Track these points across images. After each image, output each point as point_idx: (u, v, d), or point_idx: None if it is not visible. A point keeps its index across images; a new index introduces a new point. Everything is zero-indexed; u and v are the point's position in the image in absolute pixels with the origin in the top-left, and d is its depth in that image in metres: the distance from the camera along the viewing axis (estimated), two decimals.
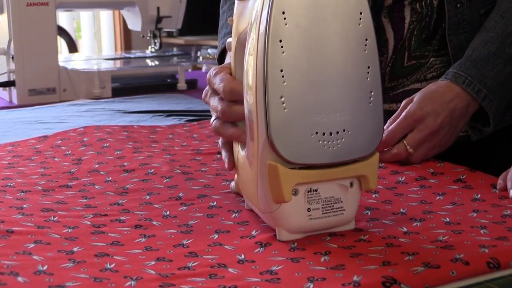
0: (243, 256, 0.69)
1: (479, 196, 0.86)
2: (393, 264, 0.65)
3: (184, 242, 0.73)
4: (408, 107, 1.01)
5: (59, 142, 1.19)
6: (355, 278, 0.62)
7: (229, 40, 0.85)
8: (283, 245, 0.72)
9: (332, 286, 0.61)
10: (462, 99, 1.01)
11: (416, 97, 1.02)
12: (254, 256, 0.70)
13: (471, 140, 1.09)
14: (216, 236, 0.75)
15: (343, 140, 0.70)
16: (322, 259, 0.68)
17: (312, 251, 0.70)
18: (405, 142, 0.99)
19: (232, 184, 0.89)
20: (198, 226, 0.78)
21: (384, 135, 1.00)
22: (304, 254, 0.70)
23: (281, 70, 0.67)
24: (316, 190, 0.72)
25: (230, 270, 0.66)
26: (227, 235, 0.76)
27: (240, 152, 0.80)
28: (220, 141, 0.88)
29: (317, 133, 0.69)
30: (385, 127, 1.03)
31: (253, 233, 0.76)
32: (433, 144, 1.00)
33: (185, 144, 1.21)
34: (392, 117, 1.02)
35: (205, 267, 0.67)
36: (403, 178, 0.94)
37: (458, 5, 1.08)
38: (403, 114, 1.00)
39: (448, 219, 0.78)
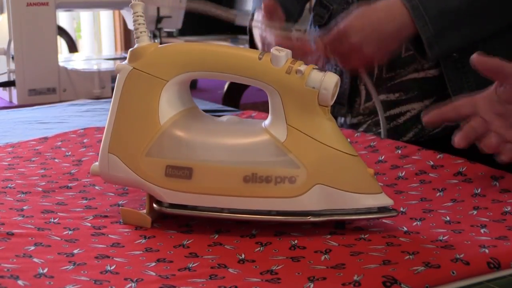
0: (243, 256, 0.69)
1: (479, 190, 0.86)
2: (393, 263, 0.65)
3: (185, 243, 0.73)
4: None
5: (59, 143, 1.19)
6: (355, 277, 0.62)
7: None
8: (283, 244, 0.72)
9: (333, 286, 0.61)
10: (395, 13, 1.03)
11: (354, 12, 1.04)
12: (254, 256, 0.70)
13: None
14: (216, 236, 0.75)
15: None
16: (323, 257, 0.68)
17: (312, 250, 0.70)
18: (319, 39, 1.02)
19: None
20: (198, 226, 0.78)
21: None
22: (305, 252, 0.70)
23: None
24: None
25: (231, 270, 0.66)
26: (227, 234, 0.76)
27: None
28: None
29: None
30: None
31: (253, 232, 0.75)
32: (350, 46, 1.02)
33: None
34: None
35: (206, 267, 0.67)
36: (403, 173, 0.94)
37: None
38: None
39: (448, 218, 0.78)
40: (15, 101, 1.92)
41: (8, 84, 1.94)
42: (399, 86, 1.13)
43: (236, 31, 3.73)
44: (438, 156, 0.97)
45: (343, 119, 1.22)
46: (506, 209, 0.80)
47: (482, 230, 0.74)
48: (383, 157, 1.00)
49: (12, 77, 1.93)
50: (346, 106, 1.20)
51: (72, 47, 3.16)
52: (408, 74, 1.13)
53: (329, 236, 0.73)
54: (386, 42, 1.03)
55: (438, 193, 0.87)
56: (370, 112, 1.18)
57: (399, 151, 1.01)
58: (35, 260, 0.67)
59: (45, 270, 0.65)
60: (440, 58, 1.09)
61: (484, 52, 1.04)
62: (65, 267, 0.66)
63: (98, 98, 1.88)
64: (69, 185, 0.95)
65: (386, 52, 1.06)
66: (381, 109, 1.10)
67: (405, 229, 0.75)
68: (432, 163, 0.96)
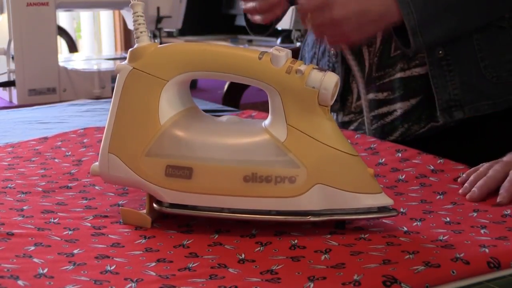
0: (243, 256, 0.69)
1: None
2: (394, 262, 0.65)
3: (185, 243, 0.73)
4: None
5: (59, 143, 1.19)
6: (355, 277, 0.62)
7: None
8: (283, 244, 0.72)
9: (333, 285, 0.61)
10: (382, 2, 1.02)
11: None
12: (254, 256, 0.70)
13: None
14: (216, 235, 0.75)
15: None
16: (323, 257, 0.68)
17: (312, 249, 0.70)
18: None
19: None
20: (198, 226, 0.78)
21: None
22: (305, 252, 0.70)
23: None
24: None
25: (231, 270, 0.66)
26: (227, 234, 0.76)
27: None
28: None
29: None
30: None
31: (253, 231, 0.76)
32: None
33: None
34: None
35: (206, 267, 0.67)
36: (403, 176, 0.94)
37: None
38: None
39: (448, 219, 0.78)
40: (15, 101, 1.92)
41: (8, 84, 1.94)
42: (388, 85, 1.13)
43: (236, 31, 3.73)
44: (439, 161, 0.98)
45: (335, 116, 1.23)
46: (506, 212, 0.80)
47: (482, 231, 0.74)
48: (383, 159, 1.00)
49: (12, 77, 1.93)
50: (339, 102, 1.21)
51: (72, 47, 3.16)
52: (395, 73, 1.14)
53: (329, 236, 0.73)
54: (367, 25, 1.02)
55: (438, 196, 0.87)
56: (361, 110, 1.18)
57: (399, 154, 1.01)
58: (35, 260, 0.67)
59: (45, 270, 0.65)
60: (423, 49, 1.09)
61: (469, 48, 1.03)
62: (65, 267, 0.66)
63: (98, 98, 1.88)
64: (69, 185, 0.95)
65: (365, 34, 1.05)
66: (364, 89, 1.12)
67: (405, 229, 0.75)
68: (432, 167, 0.96)
